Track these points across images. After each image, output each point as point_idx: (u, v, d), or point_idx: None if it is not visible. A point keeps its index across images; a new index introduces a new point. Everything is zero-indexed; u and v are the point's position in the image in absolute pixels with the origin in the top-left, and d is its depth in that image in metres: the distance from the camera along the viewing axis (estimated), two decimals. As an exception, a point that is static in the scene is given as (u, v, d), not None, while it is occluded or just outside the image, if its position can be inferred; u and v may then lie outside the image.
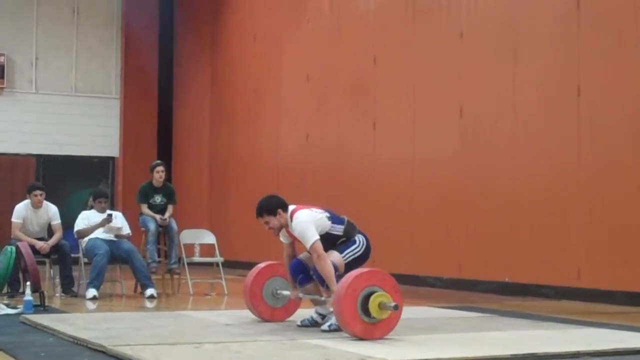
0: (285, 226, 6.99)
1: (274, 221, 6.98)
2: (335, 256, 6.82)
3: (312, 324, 7.04)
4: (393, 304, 6.31)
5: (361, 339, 6.23)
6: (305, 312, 7.29)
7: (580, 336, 6.70)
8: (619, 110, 9.78)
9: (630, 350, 5.91)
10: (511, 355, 5.56)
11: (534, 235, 10.75)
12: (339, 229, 6.97)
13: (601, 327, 7.28)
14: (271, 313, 7.51)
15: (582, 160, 10.14)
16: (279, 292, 7.43)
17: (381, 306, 6.29)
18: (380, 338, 6.32)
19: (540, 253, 10.65)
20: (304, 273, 7.06)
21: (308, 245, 6.77)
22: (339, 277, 6.64)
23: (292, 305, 7.54)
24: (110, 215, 10.44)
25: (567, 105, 10.33)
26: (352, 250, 6.91)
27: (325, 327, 6.73)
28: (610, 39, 9.92)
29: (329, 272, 6.65)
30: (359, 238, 6.99)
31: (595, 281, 9.91)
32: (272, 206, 6.99)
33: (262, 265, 7.64)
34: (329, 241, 6.91)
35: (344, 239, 6.96)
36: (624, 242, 9.61)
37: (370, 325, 6.32)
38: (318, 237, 6.76)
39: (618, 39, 9.83)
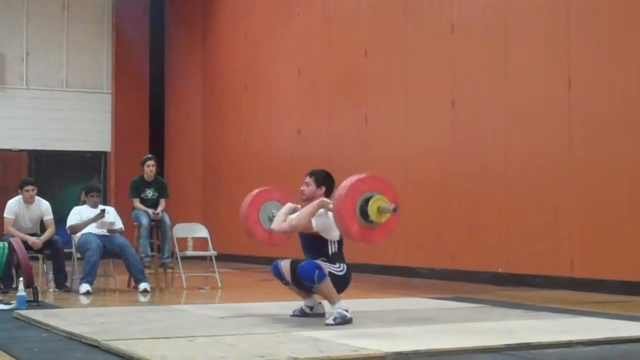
0: (309, 200, 7.02)
1: (312, 189, 7.03)
2: (319, 261, 6.83)
3: (302, 314, 7.21)
4: (392, 206, 6.36)
5: (361, 242, 6.49)
6: (297, 304, 7.36)
7: (574, 325, 6.72)
8: (610, 102, 9.79)
9: (624, 339, 5.93)
10: (505, 345, 5.57)
11: (526, 225, 10.77)
12: (334, 247, 6.98)
13: (594, 317, 7.31)
14: (269, 237, 7.52)
15: (574, 151, 10.16)
16: (274, 214, 7.42)
17: (380, 210, 6.37)
18: (380, 242, 6.45)
19: (533, 243, 10.67)
20: (281, 277, 7.18)
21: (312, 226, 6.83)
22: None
23: None
24: (103, 211, 10.43)
25: (558, 98, 10.34)
26: (333, 268, 6.87)
27: (330, 320, 6.72)
28: (601, 32, 9.93)
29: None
30: (340, 264, 6.96)
31: (588, 270, 9.94)
32: (323, 181, 7.05)
33: (255, 191, 7.65)
34: (316, 244, 6.95)
35: (324, 259, 6.92)
36: (617, 232, 9.63)
37: (368, 229, 6.38)
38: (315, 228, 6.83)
39: (609, 31, 9.84)
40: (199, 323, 7.00)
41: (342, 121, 14.14)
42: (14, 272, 9.65)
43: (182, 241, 11.35)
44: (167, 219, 11.31)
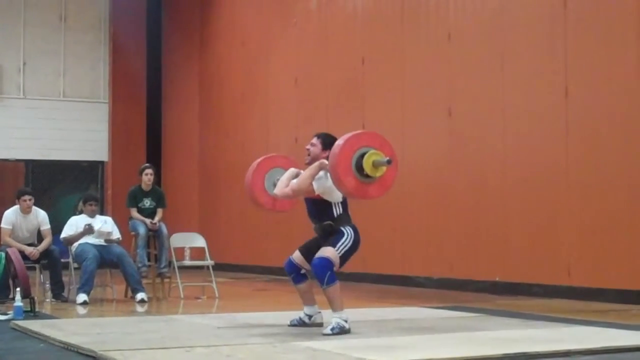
0: (314, 162, 7.05)
1: (317, 150, 7.11)
2: (329, 251, 6.85)
3: (300, 324, 7.20)
4: (386, 158, 6.42)
5: (356, 197, 6.61)
6: (295, 314, 7.34)
7: (571, 335, 6.71)
8: (607, 110, 9.80)
9: (621, 348, 5.93)
10: (502, 354, 5.57)
11: (524, 234, 10.77)
12: (339, 209, 7.00)
13: (592, 325, 7.30)
14: (273, 203, 7.55)
15: (570, 160, 10.17)
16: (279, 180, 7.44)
17: (375, 164, 6.47)
18: (377, 196, 6.62)
19: (531, 252, 10.67)
20: (295, 272, 7.16)
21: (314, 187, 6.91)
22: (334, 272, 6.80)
23: None
24: (90, 226, 10.38)
25: (555, 106, 10.35)
26: (342, 243, 6.90)
27: (327, 330, 6.72)
28: (598, 40, 9.94)
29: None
30: (346, 230, 6.99)
31: (585, 279, 9.93)
32: (329, 144, 7.00)
33: (259, 159, 7.71)
34: (320, 208, 6.97)
35: (330, 222, 6.96)
36: (614, 240, 9.63)
37: (364, 184, 6.52)
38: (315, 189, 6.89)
39: (605, 39, 9.85)
40: (196, 333, 7.00)
41: (340, 129, 13.96)
42: (11, 282, 9.65)
43: (180, 251, 11.34)
44: (164, 228, 11.30)
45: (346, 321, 6.77)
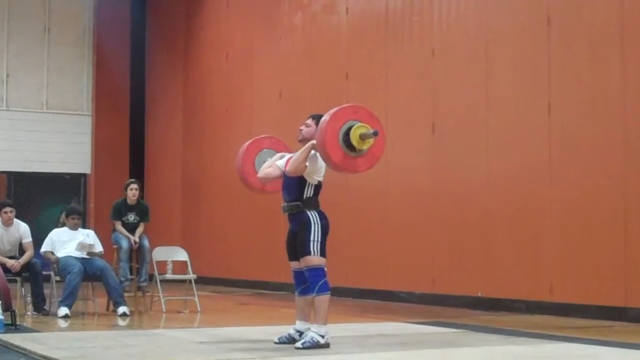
0: (305, 140, 7.06)
1: (311, 131, 7.07)
2: (312, 260, 6.85)
3: (289, 341, 7.03)
4: (372, 130, 6.45)
5: (344, 171, 6.73)
6: (284, 329, 7.27)
7: (553, 351, 6.72)
8: (589, 127, 9.85)
9: (603, 364, 5.94)
10: (484, 371, 5.58)
11: (506, 250, 10.79)
12: (310, 192, 7.03)
13: (574, 342, 7.32)
14: (262, 185, 7.58)
15: (553, 176, 10.20)
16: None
17: (362, 136, 6.55)
18: (364, 169, 6.70)
19: (513, 268, 10.69)
20: (304, 284, 7.06)
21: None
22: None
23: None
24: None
25: (538, 122, 10.39)
26: (313, 239, 6.89)
27: (299, 344, 6.73)
28: (581, 57, 9.99)
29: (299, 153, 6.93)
30: (312, 216, 6.97)
31: (567, 295, 9.96)
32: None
33: (246, 143, 7.80)
34: (293, 182, 7.01)
35: (298, 202, 6.97)
36: (596, 257, 9.66)
37: (352, 158, 6.60)
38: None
39: (588, 56, 9.91)
40: (177, 348, 6.97)
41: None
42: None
43: (162, 264, 11.30)
44: (146, 241, 11.27)
45: (323, 336, 6.73)
